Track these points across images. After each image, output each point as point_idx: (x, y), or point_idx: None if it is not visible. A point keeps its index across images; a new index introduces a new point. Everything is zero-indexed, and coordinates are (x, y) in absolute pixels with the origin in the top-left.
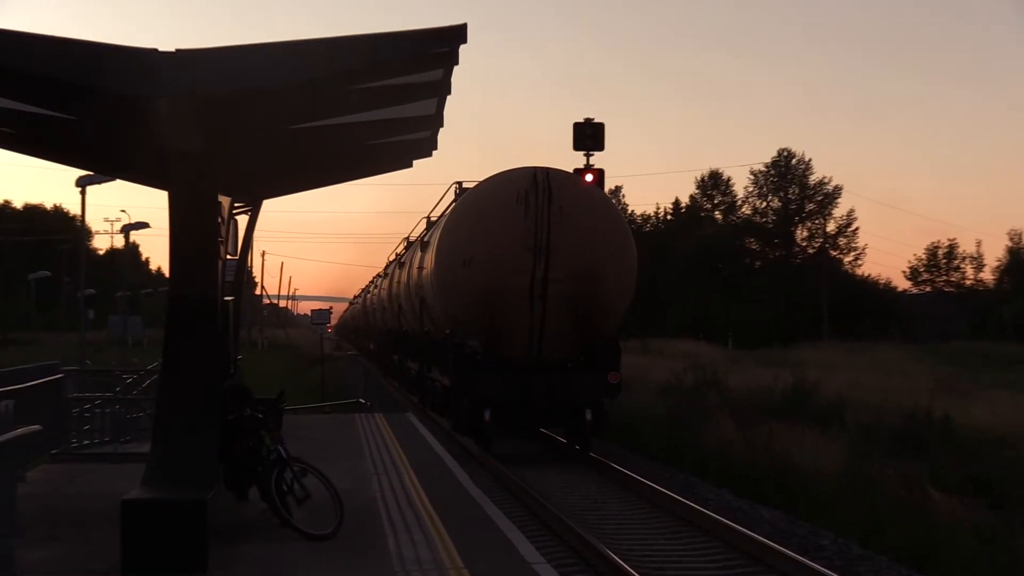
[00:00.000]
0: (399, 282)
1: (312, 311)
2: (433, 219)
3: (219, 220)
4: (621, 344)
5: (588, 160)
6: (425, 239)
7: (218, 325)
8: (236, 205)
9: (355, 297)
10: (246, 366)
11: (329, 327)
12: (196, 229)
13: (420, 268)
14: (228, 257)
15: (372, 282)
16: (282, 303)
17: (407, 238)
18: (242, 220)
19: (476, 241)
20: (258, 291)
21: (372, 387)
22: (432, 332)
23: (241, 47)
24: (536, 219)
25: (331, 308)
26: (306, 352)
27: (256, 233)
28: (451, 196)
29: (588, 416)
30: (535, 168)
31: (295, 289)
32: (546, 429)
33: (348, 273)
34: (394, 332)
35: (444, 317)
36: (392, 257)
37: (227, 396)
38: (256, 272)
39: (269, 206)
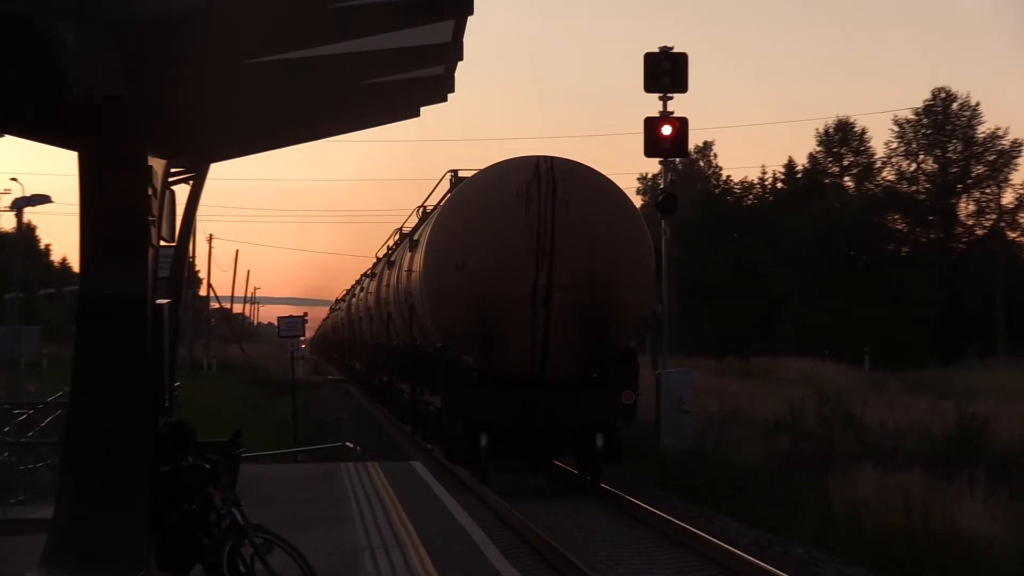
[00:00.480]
0: (388, 285)
1: (279, 319)
2: (429, 211)
3: (149, 192)
4: (662, 360)
5: (665, 106)
6: (415, 236)
7: (148, 339)
8: (173, 171)
9: (338, 300)
10: (188, 396)
11: (303, 341)
12: (117, 204)
13: (409, 271)
14: (162, 243)
15: (358, 283)
16: (238, 308)
17: (400, 229)
18: (181, 192)
19: (470, 241)
20: (204, 291)
21: (364, 425)
22: (423, 346)
23: None
24: (539, 215)
25: (306, 315)
26: (272, 376)
27: (202, 210)
28: (446, 187)
29: (599, 442)
30: (537, 157)
31: (256, 289)
32: (557, 459)
33: (329, 266)
34: (384, 347)
35: (435, 329)
36: (382, 252)
37: (161, 439)
38: (201, 265)
39: (219, 172)
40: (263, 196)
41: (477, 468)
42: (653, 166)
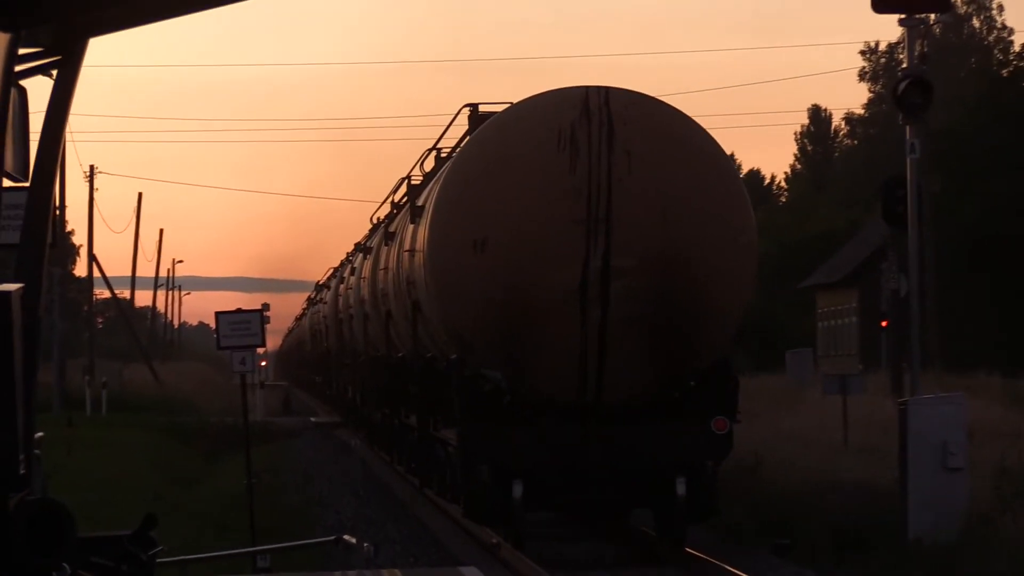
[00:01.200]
0: (386, 268)
1: (219, 317)
2: (443, 159)
3: None
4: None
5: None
6: (419, 201)
7: None
8: (24, 53)
9: (321, 284)
10: (58, 458)
11: (261, 359)
12: None
13: (411, 251)
14: (6, 183)
15: (349, 258)
16: (144, 297)
17: (407, 179)
18: (39, 88)
19: (492, 208)
20: (83, 268)
21: (378, 503)
22: (435, 359)
23: None
24: (589, 172)
25: (266, 308)
26: (206, 421)
27: (76, 124)
28: (463, 129)
29: (681, 489)
30: (587, 88)
31: (177, 262)
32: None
33: (307, 223)
34: (381, 362)
35: (445, 334)
36: (379, 217)
37: (13, 534)
38: (77, 221)
39: (105, 54)
40: (188, 101)
41: (510, 529)
42: (888, 30)
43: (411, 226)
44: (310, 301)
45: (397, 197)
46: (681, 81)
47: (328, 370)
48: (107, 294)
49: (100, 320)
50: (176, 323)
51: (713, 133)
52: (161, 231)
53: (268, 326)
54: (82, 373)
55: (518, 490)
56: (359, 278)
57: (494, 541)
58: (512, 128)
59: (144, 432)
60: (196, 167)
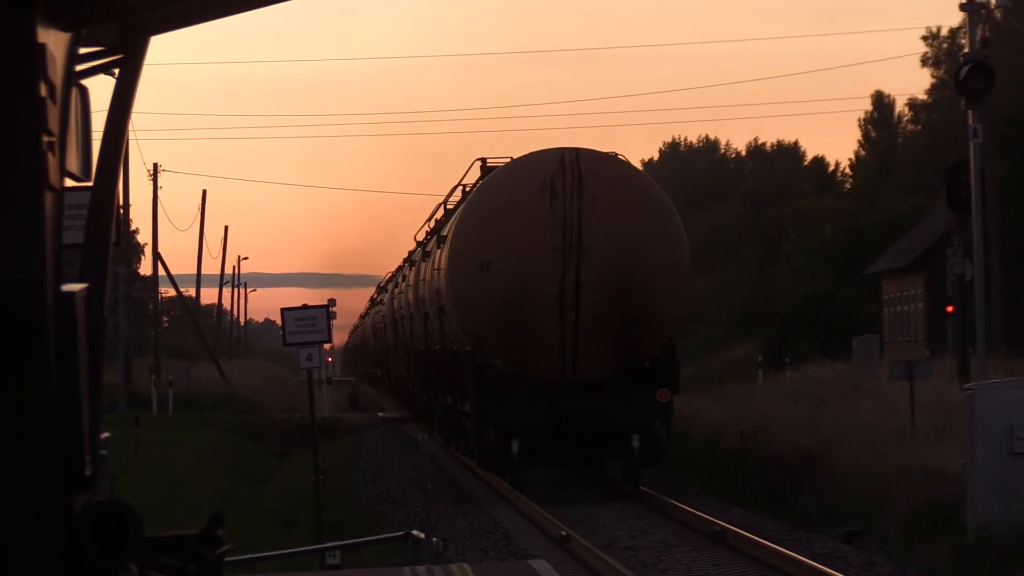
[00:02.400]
0: (423, 279)
1: (284, 313)
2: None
3: (42, 90)
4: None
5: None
6: (443, 231)
7: (48, 358)
8: (85, 52)
9: (383, 285)
10: (124, 459)
11: (327, 355)
12: None
13: (437, 268)
14: (69, 183)
15: (401, 267)
16: (210, 295)
17: (444, 203)
18: (100, 88)
19: (494, 239)
20: (147, 267)
21: (446, 499)
22: (459, 350)
23: None
24: (564, 212)
25: (331, 304)
26: (273, 419)
27: (139, 123)
28: (474, 178)
29: (636, 443)
30: (563, 149)
31: (242, 259)
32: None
33: (373, 219)
34: (423, 354)
35: (462, 331)
36: (421, 236)
37: (80, 535)
38: (141, 220)
39: (167, 53)
40: (252, 97)
41: (512, 476)
42: (950, 15)
43: (438, 250)
44: (372, 301)
45: (435, 221)
46: (745, 69)
47: (387, 363)
48: (172, 292)
49: (166, 319)
50: (242, 320)
51: (778, 121)
52: (226, 228)
53: (334, 322)
54: (148, 372)
55: (516, 447)
56: (407, 285)
57: (563, 533)
58: (508, 179)
59: (211, 431)
60: (260, 163)
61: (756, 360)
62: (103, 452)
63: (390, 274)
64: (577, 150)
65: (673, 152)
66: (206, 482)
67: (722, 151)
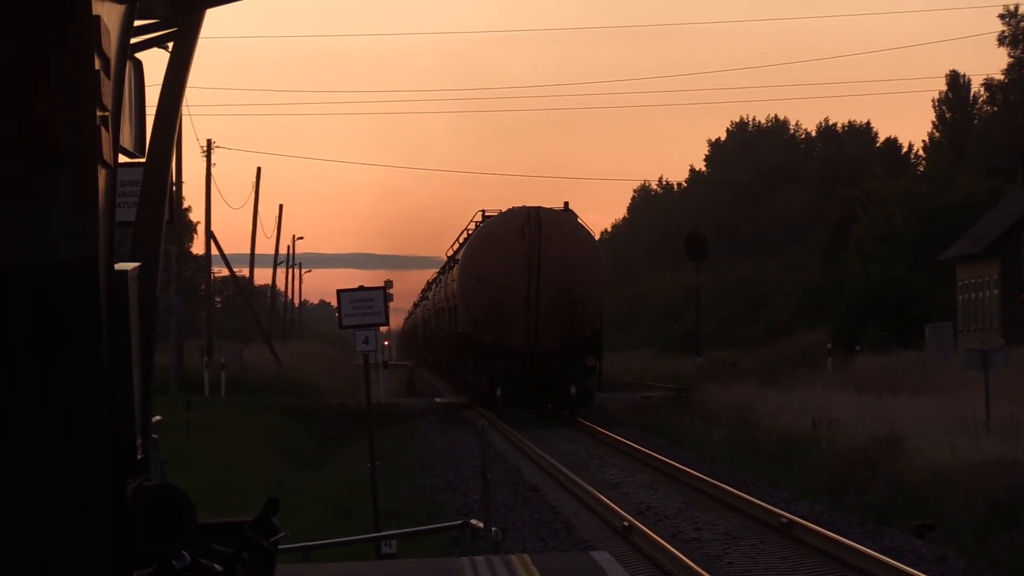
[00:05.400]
0: (449, 284)
1: (340, 294)
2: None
3: (96, 63)
4: None
5: None
6: (456, 256)
7: (100, 337)
8: (139, 24)
9: (433, 279)
10: (176, 442)
11: (384, 338)
12: (34, 87)
13: (453, 280)
14: (122, 160)
15: (441, 269)
16: (264, 275)
17: (457, 239)
18: (155, 61)
19: (487, 263)
20: (200, 247)
21: (507, 486)
22: (465, 332)
23: None
24: (530, 247)
25: (388, 286)
26: (328, 402)
27: (192, 98)
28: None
29: (573, 390)
30: (528, 208)
31: (297, 239)
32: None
33: (435, 197)
34: (451, 334)
35: (467, 319)
36: (449, 252)
37: (132, 520)
38: (194, 198)
39: (221, 26)
40: (308, 71)
41: (496, 409)
42: None
43: (455, 267)
44: (422, 293)
45: (454, 248)
46: (816, 48)
47: (432, 345)
48: (225, 272)
49: (218, 300)
50: (296, 302)
51: (849, 101)
52: (281, 207)
53: (391, 304)
54: (200, 354)
55: (499, 392)
56: (443, 286)
57: (626, 524)
58: (496, 225)
59: (264, 415)
60: (317, 140)
61: (824, 347)
62: (155, 436)
63: (447, 257)
64: (539, 208)
65: (741, 132)
66: (259, 467)
67: (791, 131)
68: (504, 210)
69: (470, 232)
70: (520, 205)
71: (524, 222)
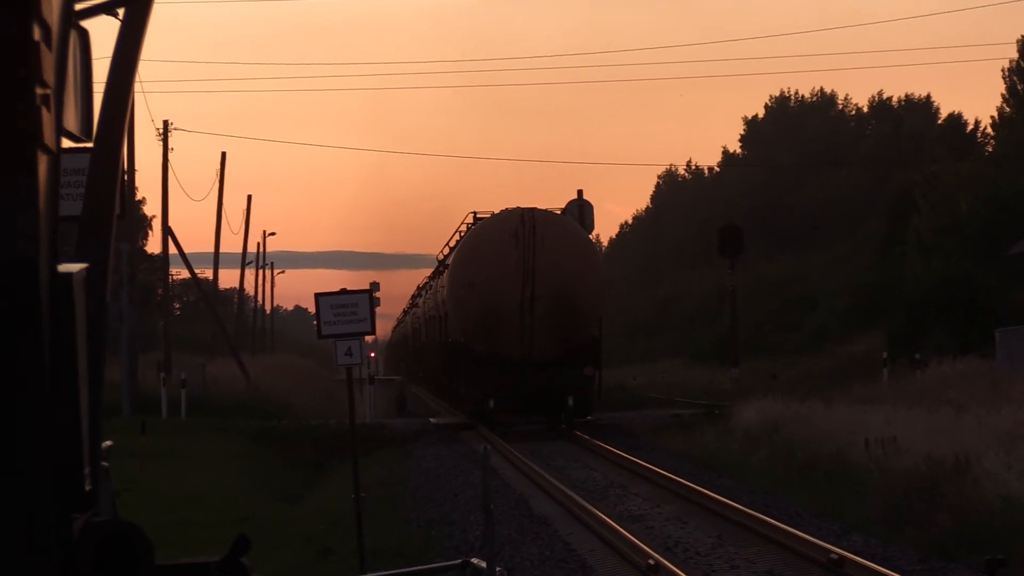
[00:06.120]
0: (439, 291)
1: (318, 299)
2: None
3: (36, 34)
4: None
5: None
6: (446, 261)
7: (41, 350)
8: None
9: (438, 267)
10: (130, 473)
11: (370, 349)
12: None
13: (442, 287)
14: (67, 144)
15: (430, 276)
16: (229, 276)
17: (457, 231)
18: (104, 31)
19: (478, 267)
20: (150, 246)
21: (512, 520)
22: (456, 341)
23: None
24: (523, 250)
25: (374, 289)
26: (305, 424)
27: (149, 73)
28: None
29: (570, 402)
30: (522, 209)
31: (268, 235)
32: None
33: (429, 185)
34: (441, 344)
35: (458, 328)
36: (440, 255)
37: (79, 561)
38: (149, 189)
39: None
40: (279, 44)
41: (487, 421)
42: None
43: (445, 273)
44: (412, 299)
45: (445, 251)
46: (868, 11)
47: (423, 355)
48: (186, 274)
49: (178, 306)
50: (268, 307)
51: (906, 71)
52: (249, 198)
53: (378, 310)
54: (157, 370)
55: (492, 403)
56: (432, 292)
57: (651, 563)
58: (488, 228)
59: (232, 439)
60: (291, 121)
61: (879, 356)
62: (105, 464)
63: (438, 261)
64: (533, 210)
65: (782, 107)
66: (225, 500)
67: (840, 106)
68: (497, 212)
69: (461, 234)
70: (514, 206)
71: (518, 224)
